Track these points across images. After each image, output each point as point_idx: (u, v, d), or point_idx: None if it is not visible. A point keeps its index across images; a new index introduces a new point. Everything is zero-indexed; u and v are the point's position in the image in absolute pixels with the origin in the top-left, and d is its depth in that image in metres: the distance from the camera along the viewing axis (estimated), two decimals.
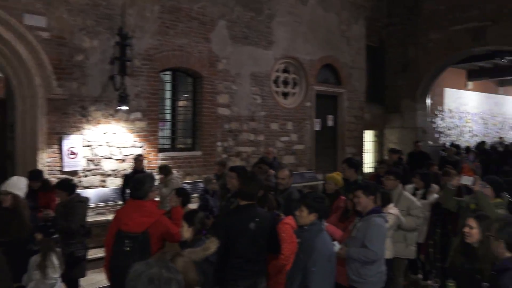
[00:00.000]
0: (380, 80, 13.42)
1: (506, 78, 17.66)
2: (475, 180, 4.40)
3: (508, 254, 2.61)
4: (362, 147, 12.25)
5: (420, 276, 6.05)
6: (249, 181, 3.80)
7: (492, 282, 2.68)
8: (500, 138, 17.79)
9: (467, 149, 12.93)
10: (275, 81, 10.04)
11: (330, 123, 11.36)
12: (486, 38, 11.25)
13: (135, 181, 3.87)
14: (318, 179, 10.20)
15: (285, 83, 10.29)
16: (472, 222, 3.19)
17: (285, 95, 10.31)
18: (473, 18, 11.41)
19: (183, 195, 4.54)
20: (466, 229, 3.20)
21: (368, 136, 13.23)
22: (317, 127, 10.91)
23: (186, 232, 3.46)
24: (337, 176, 5.59)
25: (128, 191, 5.75)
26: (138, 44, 7.49)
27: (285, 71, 10.26)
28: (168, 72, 8.41)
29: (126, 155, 7.58)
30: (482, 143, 14.84)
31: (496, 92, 19.01)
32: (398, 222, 4.74)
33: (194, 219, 3.46)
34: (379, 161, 7.07)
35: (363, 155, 12.23)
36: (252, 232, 3.59)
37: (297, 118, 10.34)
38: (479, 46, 11.51)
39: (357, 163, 6.15)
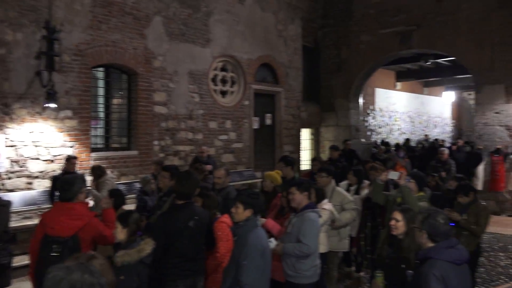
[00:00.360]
0: (316, 79, 13.83)
1: (430, 79, 18.93)
2: (400, 174, 4.67)
3: (430, 244, 2.77)
4: (299, 145, 12.56)
5: (353, 268, 6.31)
6: (184, 180, 3.77)
7: (416, 270, 2.85)
8: (426, 135, 19.03)
9: (397, 146, 13.64)
10: (213, 80, 10.00)
11: (268, 121, 11.52)
12: (412, 42, 11.97)
13: (63, 181, 3.67)
14: (257, 177, 10.31)
15: (224, 81, 10.29)
16: (397, 215, 3.37)
17: (223, 93, 10.31)
18: (400, 22, 12.10)
19: (116, 196, 4.39)
20: (392, 222, 3.38)
21: (305, 134, 13.59)
22: (256, 125, 11.02)
23: (120, 234, 3.36)
24: (275, 174, 5.68)
25: (57, 193, 5.47)
26: (67, 39, 7.12)
27: (223, 69, 10.26)
28: (101, 69, 8.09)
29: (55, 156, 7.18)
30: (407, 140, 15.75)
31: (421, 93, 20.31)
32: (332, 217, 4.92)
33: (129, 220, 3.38)
34: (312, 159, 7.25)
35: (300, 153, 12.55)
36: (192, 230, 3.59)
37: (236, 116, 10.38)
38: (406, 49, 12.22)
39: (293, 161, 6.29)
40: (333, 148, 9.01)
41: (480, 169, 10.71)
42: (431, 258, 2.69)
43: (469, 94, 21.40)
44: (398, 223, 3.34)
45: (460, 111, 23.24)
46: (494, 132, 10.85)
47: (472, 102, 18.21)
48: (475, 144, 11.71)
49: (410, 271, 2.99)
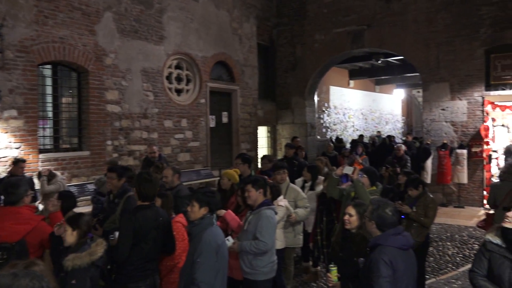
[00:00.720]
0: (272, 77, 13.94)
1: (381, 77, 19.59)
2: (354, 169, 4.80)
3: (378, 233, 2.96)
4: (256, 143, 12.61)
5: (310, 263, 6.41)
6: (147, 182, 3.71)
7: (367, 258, 3.00)
8: (378, 132, 19.67)
9: (354, 142, 13.85)
10: (168, 78, 9.83)
11: (224, 119, 11.48)
12: (363, 41, 12.32)
13: (8, 184, 3.50)
14: (214, 176, 10.26)
15: (179, 79, 10.14)
16: (350, 210, 3.46)
17: (178, 92, 10.16)
18: (351, 22, 12.42)
19: (66, 198, 4.17)
20: (346, 217, 3.46)
21: (262, 132, 13.67)
22: (212, 124, 10.95)
23: (70, 237, 3.24)
24: (233, 172, 5.68)
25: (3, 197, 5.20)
26: (10, 34, 6.76)
27: (178, 67, 10.11)
28: (48, 66, 7.73)
29: None
30: (361, 136, 16.16)
31: (373, 90, 20.98)
32: (288, 213, 4.98)
33: (79, 222, 3.27)
34: (262, 157, 7.31)
35: (257, 151, 12.60)
36: (157, 231, 3.60)
37: (192, 115, 10.27)
38: (357, 48, 12.55)
39: (251, 159, 6.32)
40: (288, 146, 9.10)
41: (429, 163, 11.22)
42: (380, 245, 2.86)
43: (418, 92, 22.34)
44: (352, 218, 3.43)
45: (409, 108, 24.22)
46: (440, 128, 11.39)
47: (420, 99, 19.01)
48: (423, 140, 12.23)
49: (362, 259, 3.12)
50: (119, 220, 3.84)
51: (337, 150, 12.25)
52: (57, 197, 4.13)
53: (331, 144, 12.56)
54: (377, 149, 13.46)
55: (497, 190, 5.69)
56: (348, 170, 4.88)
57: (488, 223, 5.83)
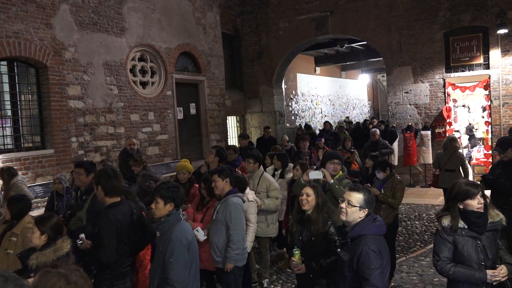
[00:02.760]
0: (238, 67, 13.86)
1: (347, 63, 19.83)
2: (323, 174, 4.33)
3: (359, 220, 2.82)
4: (226, 133, 12.56)
5: (284, 249, 6.47)
6: (113, 177, 3.58)
7: (350, 250, 2.83)
8: (346, 117, 19.95)
9: (326, 133, 13.59)
10: (132, 70, 9.60)
11: (192, 111, 11.35)
12: (327, 27, 12.39)
13: None
14: None
15: (143, 72, 9.92)
16: (308, 190, 3.51)
17: (143, 84, 9.95)
18: (314, 8, 12.46)
19: (14, 203, 3.85)
20: (303, 197, 3.48)
21: (231, 122, 13.62)
22: (180, 116, 10.81)
23: (37, 240, 3.14)
24: (187, 164, 5.63)
25: None
26: None
27: (142, 59, 9.88)
28: (3, 62, 7.39)
29: None
30: (326, 123, 15.65)
31: (340, 76, 21.23)
32: (260, 207, 5.01)
33: (49, 226, 3.17)
34: (226, 147, 7.25)
35: (227, 141, 12.56)
36: (134, 225, 3.56)
37: (159, 107, 10.10)
38: (322, 34, 12.61)
39: (225, 156, 6.24)
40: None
41: (395, 145, 11.48)
42: (363, 234, 2.77)
43: (382, 76, 22.76)
44: (309, 197, 3.46)
45: (375, 92, 24.69)
46: (405, 110, 11.66)
47: (385, 83, 19.37)
48: (389, 123, 12.49)
49: (345, 252, 2.89)
50: (97, 221, 3.66)
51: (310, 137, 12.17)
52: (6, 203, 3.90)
53: (285, 136, 11.69)
54: (351, 133, 13.59)
55: (441, 157, 7.67)
56: (315, 175, 4.26)
57: (435, 181, 7.85)
